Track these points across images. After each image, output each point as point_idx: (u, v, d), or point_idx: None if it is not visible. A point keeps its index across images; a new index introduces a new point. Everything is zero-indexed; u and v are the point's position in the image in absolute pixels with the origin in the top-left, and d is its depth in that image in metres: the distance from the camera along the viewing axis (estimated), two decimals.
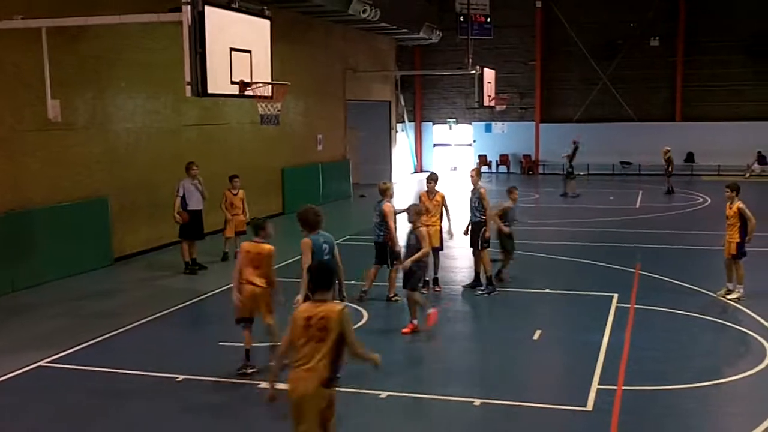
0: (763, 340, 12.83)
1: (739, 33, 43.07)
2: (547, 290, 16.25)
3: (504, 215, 17.05)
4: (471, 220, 16.52)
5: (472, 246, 16.55)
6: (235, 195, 20.20)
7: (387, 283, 15.85)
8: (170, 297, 16.25)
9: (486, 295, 16.11)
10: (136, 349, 13.06)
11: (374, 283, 15.87)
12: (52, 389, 11.22)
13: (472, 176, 16.69)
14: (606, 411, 9.95)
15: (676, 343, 13.09)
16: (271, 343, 11.21)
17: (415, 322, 13.45)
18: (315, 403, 7.18)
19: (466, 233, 16.69)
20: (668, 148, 35.60)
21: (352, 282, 16.40)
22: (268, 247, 11.29)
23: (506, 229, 16.89)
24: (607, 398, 10.37)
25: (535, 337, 13.28)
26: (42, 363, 12.22)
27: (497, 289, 16.28)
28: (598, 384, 10.91)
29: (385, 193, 15.85)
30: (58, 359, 12.41)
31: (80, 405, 10.57)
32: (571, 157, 34.69)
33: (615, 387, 10.80)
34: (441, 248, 16.78)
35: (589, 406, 10.15)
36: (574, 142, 35.08)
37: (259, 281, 11.21)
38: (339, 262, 11.05)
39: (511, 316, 15.05)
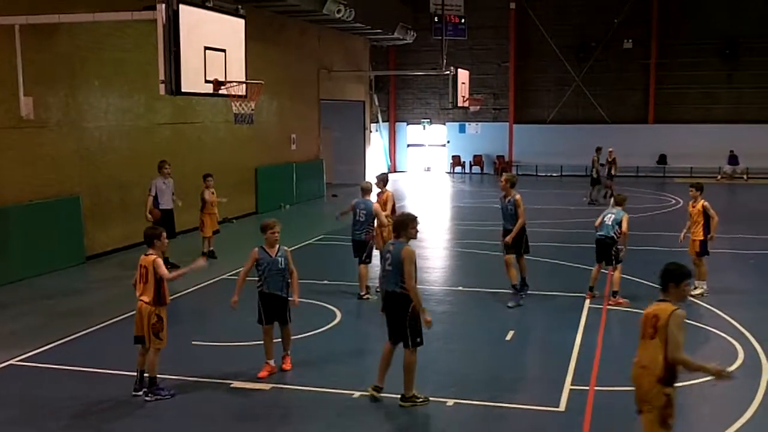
0: (734, 342, 12.94)
1: (712, 36, 43.48)
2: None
3: None
4: (505, 227, 16.02)
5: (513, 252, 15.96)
6: (213, 193, 20.20)
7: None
8: None
9: (521, 300, 15.69)
10: (108, 347, 12.97)
11: (353, 282, 16.05)
12: (24, 388, 11.13)
13: (504, 181, 15.97)
14: (578, 411, 10.01)
15: None
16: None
17: (272, 362, 11.64)
18: (652, 399, 7.42)
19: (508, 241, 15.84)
20: (611, 149, 34.66)
21: (324, 281, 16.47)
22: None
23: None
24: (579, 399, 10.43)
25: (508, 337, 13.32)
26: (13, 361, 12.16)
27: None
28: (571, 384, 10.98)
29: (369, 191, 15.96)
30: (29, 358, 12.34)
31: (51, 404, 10.48)
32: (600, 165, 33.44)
33: (587, 387, 10.86)
34: None
35: (562, 407, 10.21)
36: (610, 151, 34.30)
37: None
38: None
39: (484, 317, 15.08)
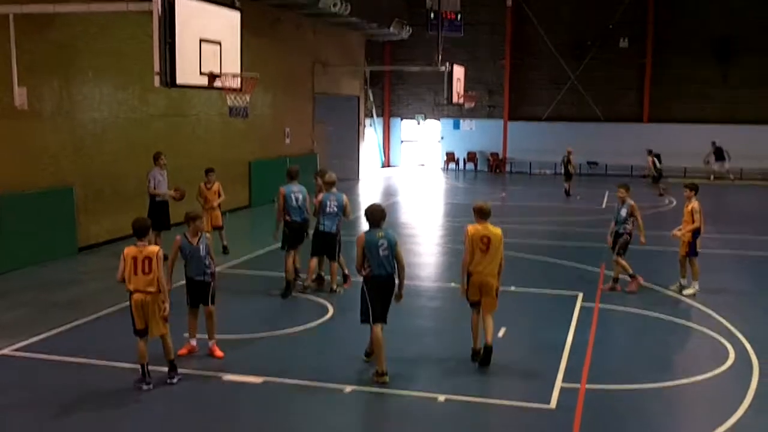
0: (725, 342, 12.96)
1: (708, 36, 43.44)
2: (513, 288, 16.23)
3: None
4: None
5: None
6: (209, 189, 19.78)
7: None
8: None
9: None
10: (101, 338, 12.96)
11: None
12: (16, 378, 11.14)
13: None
14: (569, 409, 10.02)
15: (639, 342, 13.21)
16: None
17: (193, 342, 12.30)
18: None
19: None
20: (570, 149, 35.17)
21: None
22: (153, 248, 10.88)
23: None
24: (570, 397, 10.44)
25: (500, 334, 13.29)
26: (6, 351, 12.14)
27: None
28: (562, 382, 10.98)
29: (334, 184, 16.42)
30: (21, 348, 12.33)
31: (43, 394, 10.48)
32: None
33: (578, 386, 10.87)
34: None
35: (553, 404, 10.23)
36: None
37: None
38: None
39: None
